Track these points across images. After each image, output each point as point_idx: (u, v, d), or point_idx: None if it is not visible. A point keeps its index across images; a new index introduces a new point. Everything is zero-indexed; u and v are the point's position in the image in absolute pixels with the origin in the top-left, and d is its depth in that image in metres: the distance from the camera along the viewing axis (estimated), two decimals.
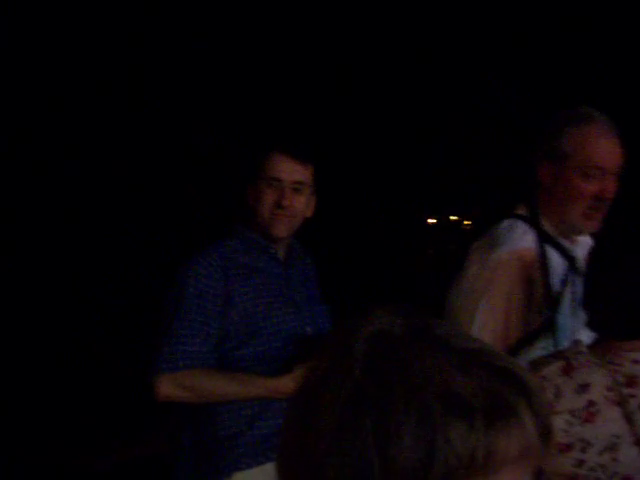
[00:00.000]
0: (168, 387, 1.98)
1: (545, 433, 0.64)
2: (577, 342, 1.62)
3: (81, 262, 10.43)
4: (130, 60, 9.44)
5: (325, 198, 2.33)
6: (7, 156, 8.87)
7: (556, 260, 2.00)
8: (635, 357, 1.50)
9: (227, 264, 2.08)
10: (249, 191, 2.17)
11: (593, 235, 2.05)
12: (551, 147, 1.98)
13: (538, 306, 1.93)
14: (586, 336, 1.76)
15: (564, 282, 1.98)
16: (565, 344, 1.85)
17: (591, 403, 1.48)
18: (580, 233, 2.05)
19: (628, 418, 1.45)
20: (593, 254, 1.64)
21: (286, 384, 1.95)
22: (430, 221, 14.95)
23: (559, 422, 1.47)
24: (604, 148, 1.93)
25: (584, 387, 1.50)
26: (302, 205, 2.15)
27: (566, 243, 2.04)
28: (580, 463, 1.47)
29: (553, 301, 1.95)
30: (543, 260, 1.95)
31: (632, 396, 1.45)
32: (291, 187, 2.11)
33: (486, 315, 1.90)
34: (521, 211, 2.05)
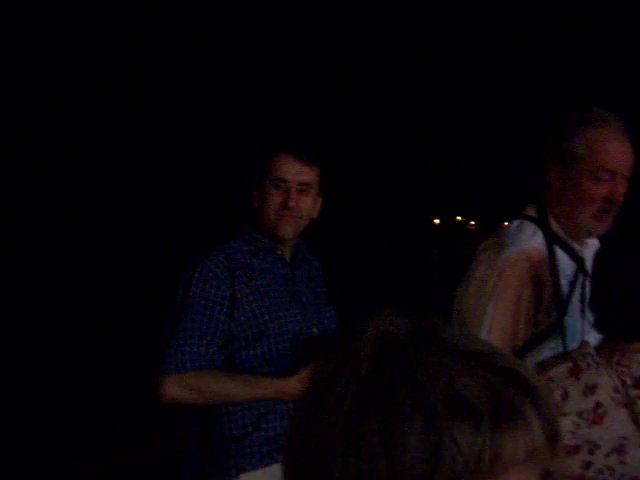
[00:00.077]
0: (174, 388, 1.98)
1: (552, 435, 0.63)
2: (584, 343, 1.62)
3: (82, 262, 10.46)
4: (131, 60, 9.46)
5: (331, 199, 2.33)
6: (7, 156, 8.89)
7: (565, 261, 1.99)
8: None
9: (233, 265, 2.08)
10: (255, 192, 2.17)
11: (600, 237, 2.05)
12: (562, 149, 1.96)
13: (546, 307, 1.92)
14: (593, 337, 1.76)
15: (572, 283, 1.97)
16: (573, 345, 1.84)
17: (598, 405, 1.48)
18: (590, 235, 2.05)
19: (635, 420, 1.44)
20: (599, 255, 1.64)
21: (292, 385, 1.95)
22: (435, 221, 14.95)
23: (566, 424, 1.47)
24: (616, 151, 1.92)
25: (591, 389, 1.50)
26: (308, 206, 2.14)
27: (575, 244, 2.04)
28: (587, 465, 1.47)
29: (562, 302, 1.94)
30: (552, 261, 1.95)
31: (639, 397, 1.45)
32: (297, 188, 2.10)
33: (495, 316, 1.89)
34: (529, 212, 2.05)
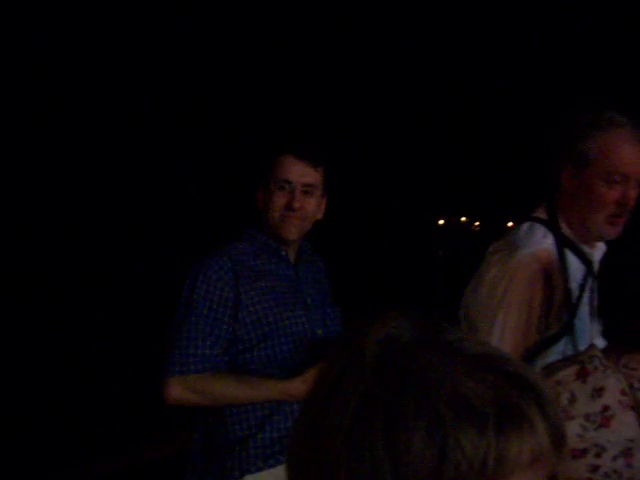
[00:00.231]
0: (178, 390, 1.98)
1: (557, 438, 0.63)
2: (591, 346, 1.61)
3: (84, 264, 10.50)
4: (132, 60, 9.51)
5: (336, 200, 2.33)
6: (7, 157, 8.94)
7: (575, 264, 1.98)
8: None
9: (237, 266, 2.08)
10: (259, 193, 2.17)
11: (607, 241, 2.04)
12: (574, 151, 1.95)
13: (557, 310, 1.91)
14: (601, 340, 1.75)
15: (582, 286, 1.96)
16: (582, 349, 1.83)
17: (606, 408, 1.47)
18: (601, 239, 2.04)
19: None
20: (608, 263, 1.63)
21: (297, 387, 1.95)
22: (440, 222, 14.95)
23: (574, 427, 1.46)
24: (629, 155, 1.90)
25: (599, 391, 1.49)
26: (313, 207, 2.14)
27: (585, 247, 2.02)
28: (595, 469, 1.46)
29: (572, 306, 1.93)
30: (563, 264, 1.93)
31: None
32: (301, 189, 2.10)
33: (507, 319, 1.88)
34: (539, 214, 2.03)
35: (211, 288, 2.03)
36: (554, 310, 1.90)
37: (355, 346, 0.68)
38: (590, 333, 1.94)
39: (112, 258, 11.27)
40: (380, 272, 11.07)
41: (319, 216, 2.22)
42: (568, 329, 1.90)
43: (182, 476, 2.15)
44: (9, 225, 10.01)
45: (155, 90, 13.49)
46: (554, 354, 1.85)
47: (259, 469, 2.00)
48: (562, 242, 1.96)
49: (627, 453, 1.45)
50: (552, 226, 1.98)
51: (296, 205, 2.08)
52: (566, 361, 1.59)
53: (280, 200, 2.09)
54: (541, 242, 1.94)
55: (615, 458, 1.46)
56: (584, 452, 1.47)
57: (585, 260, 2.00)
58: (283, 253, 2.18)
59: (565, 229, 2.00)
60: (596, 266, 2.04)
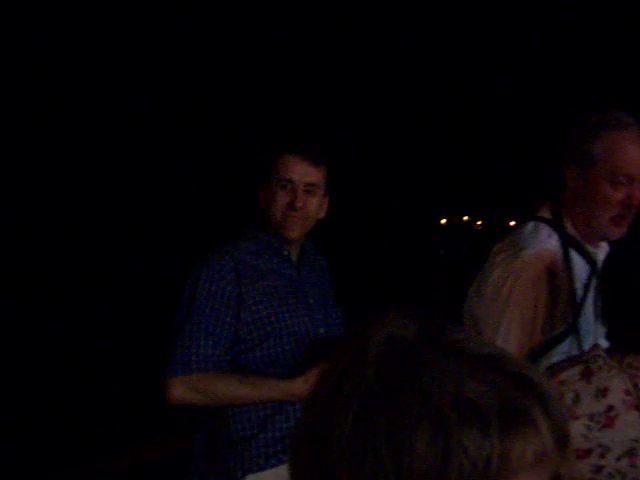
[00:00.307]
0: (181, 390, 1.98)
1: (561, 439, 0.63)
2: (596, 346, 1.61)
3: (85, 263, 10.50)
4: (132, 60, 9.53)
5: (338, 199, 2.32)
6: (8, 157, 8.95)
7: (579, 264, 1.97)
8: None
9: (240, 266, 2.08)
10: (262, 193, 2.17)
11: (611, 242, 2.03)
12: (580, 151, 1.94)
13: (562, 310, 1.91)
14: (605, 340, 1.75)
15: (586, 286, 1.96)
16: (587, 349, 1.82)
17: (610, 408, 1.47)
18: (606, 239, 2.03)
19: None
20: (611, 264, 1.63)
21: (299, 386, 1.95)
22: (442, 221, 14.95)
23: (578, 427, 1.46)
24: (634, 156, 1.90)
25: (603, 392, 1.49)
26: (315, 207, 2.14)
27: (589, 247, 2.02)
28: (599, 469, 1.46)
29: (577, 306, 1.93)
30: (567, 264, 1.93)
31: None
32: (304, 189, 2.10)
33: (513, 319, 1.87)
34: (544, 213, 2.03)
35: (213, 287, 2.02)
36: (559, 310, 1.90)
37: (358, 346, 0.68)
38: (594, 333, 1.94)
39: (112, 258, 11.27)
40: (381, 271, 11.07)
41: (321, 215, 2.21)
42: (573, 329, 1.90)
43: (183, 476, 2.15)
44: (9, 225, 10.01)
45: (155, 90, 13.50)
46: (559, 354, 1.84)
47: (261, 468, 2.00)
48: (567, 242, 1.96)
49: (631, 453, 1.44)
50: (557, 226, 1.98)
51: (298, 204, 2.07)
52: (570, 361, 1.59)
53: (282, 199, 2.09)
54: (546, 242, 1.94)
55: (619, 458, 1.45)
56: (588, 452, 1.46)
57: (590, 260, 1.99)
58: (285, 253, 2.18)
59: (570, 229, 1.99)
60: (600, 266, 2.04)
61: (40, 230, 10.87)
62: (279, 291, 2.12)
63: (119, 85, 13.25)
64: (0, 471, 4.37)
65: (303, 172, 2.10)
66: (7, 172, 10.40)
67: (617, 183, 1.90)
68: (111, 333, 8.03)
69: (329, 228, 2.53)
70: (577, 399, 1.49)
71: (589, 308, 1.96)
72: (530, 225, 1.99)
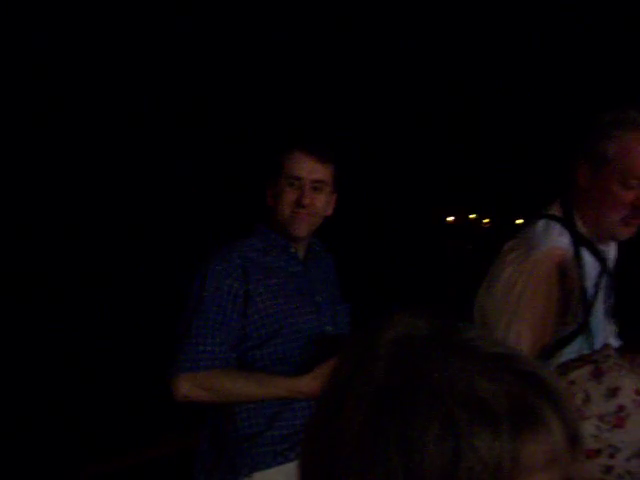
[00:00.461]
0: (187, 387, 1.97)
1: (573, 440, 0.62)
2: (606, 346, 1.59)
3: (83, 263, 10.51)
4: (132, 60, 9.53)
5: (345, 197, 2.32)
6: (8, 157, 8.96)
7: (590, 263, 1.96)
8: None
9: (246, 263, 2.07)
10: (269, 190, 2.16)
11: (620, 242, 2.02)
12: (594, 150, 1.92)
13: (574, 309, 1.90)
14: (615, 339, 1.74)
15: (597, 285, 1.95)
16: (598, 347, 1.82)
17: (620, 408, 1.46)
18: (615, 239, 2.02)
19: None
20: (622, 265, 1.62)
21: (306, 384, 1.94)
22: (449, 219, 14.96)
23: (588, 428, 1.45)
24: None
25: (613, 391, 1.48)
26: (322, 204, 2.13)
27: (600, 246, 2.01)
28: (608, 470, 1.45)
29: (588, 304, 1.92)
30: (578, 262, 1.92)
31: None
32: (311, 186, 2.10)
33: (525, 318, 1.86)
34: (554, 211, 2.01)
35: (220, 285, 2.02)
36: (570, 309, 1.89)
37: (368, 345, 0.67)
38: (605, 332, 1.93)
39: (112, 258, 11.28)
40: (388, 269, 11.08)
41: (329, 213, 2.21)
42: (584, 328, 1.89)
43: (183, 476, 2.15)
44: (9, 225, 10.01)
45: (155, 90, 13.50)
46: (570, 353, 1.83)
47: (268, 466, 2.00)
48: (578, 240, 1.95)
49: None
50: (568, 224, 1.96)
51: (306, 201, 2.07)
52: (580, 361, 1.58)
53: (290, 196, 2.09)
54: (557, 240, 1.93)
55: (629, 459, 1.45)
56: (598, 453, 1.45)
57: (600, 258, 1.98)
58: (292, 250, 2.18)
59: (580, 227, 1.98)
60: (610, 264, 2.03)
61: (40, 230, 10.87)
62: (286, 288, 2.11)
63: (119, 85, 13.26)
64: (0, 471, 4.37)
65: (310, 169, 2.09)
66: (7, 172, 10.40)
67: (628, 184, 1.88)
68: (111, 333, 8.03)
69: (336, 226, 2.53)
70: (587, 399, 1.48)
71: (599, 307, 1.95)
72: (541, 223, 1.98)
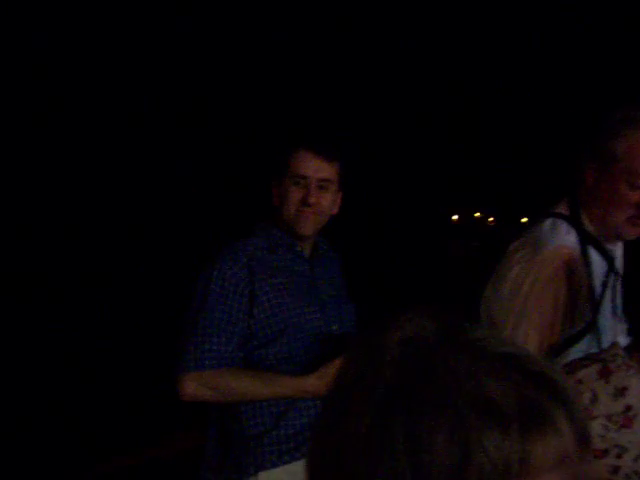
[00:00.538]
0: (193, 386, 1.97)
1: (583, 440, 0.61)
2: (614, 345, 1.59)
3: (83, 263, 10.51)
4: (132, 60, 9.53)
5: (350, 196, 2.31)
6: (8, 157, 8.95)
7: (597, 261, 1.96)
8: None
9: (252, 262, 2.07)
10: (274, 189, 2.16)
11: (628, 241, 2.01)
12: (602, 148, 1.91)
13: (582, 308, 1.89)
14: (623, 338, 1.73)
15: (604, 283, 1.94)
16: (605, 347, 1.81)
17: (628, 408, 1.45)
18: (621, 239, 2.01)
19: None
20: (628, 263, 1.61)
21: (312, 383, 1.94)
22: (454, 218, 14.98)
23: (595, 427, 1.44)
24: None
25: (621, 391, 1.47)
26: (328, 202, 2.13)
27: (607, 244, 2.00)
28: (615, 470, 1.44)
29: (595, 303, 1.91)
30: (586, 261, 1.91)
31: None
32: (317, 184, 2.09)
33: (533, 317, 1.85)
34: (561, 210, 2.01)
35: (226, 284, 2.01)
36: (578, 308, 1.88)
37: (375, 345, 0.66)
38: (612, 331, 1.92)
39: (112, 258, 11.28)
40: (393, 268, 11.08)
41: (334, 211, 2.20)
42: (592, 327, 1.88)
43: (183, 476, 2.15)
44: (9, 225, 10.01)
45: (155, 90, 13.51)
46: (577, 352, 1.82)
47: (274, 465, 2.00)
48: (585, 239, 1.94)
49: None
50: (575, 222, 1.96)
51: (312, 200, 2.06)
52: (588, 360, 1.57)
53: (295, 195, 2.08)
54: (564, 238, 1.92)
55: (636, 459, 1.44)
56: (605, 453, 1.45)
57: (607, 257, 1.97)
58: (298, 249, 2.17)
59: (587, 226, 1.97)
60: (618, 263, 2.02)
61: (40, 230, 10.87)
62: (292, 287, 2.10)
63: (119, 85, 13.26)
64: (0, 471, 4.37)
65: (316, 168, 2.09)
66: (7, 172, 10.40)
67: (636, 184, 1.88)
68: (111, 333, 8.03)
69: (341, 226, 2.52)
70: (595, 398, 1.48)
71: (607, 306, 1.95)
72: (548, 222, 1.97)
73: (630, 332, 1.63)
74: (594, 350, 1.81)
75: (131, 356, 6.71)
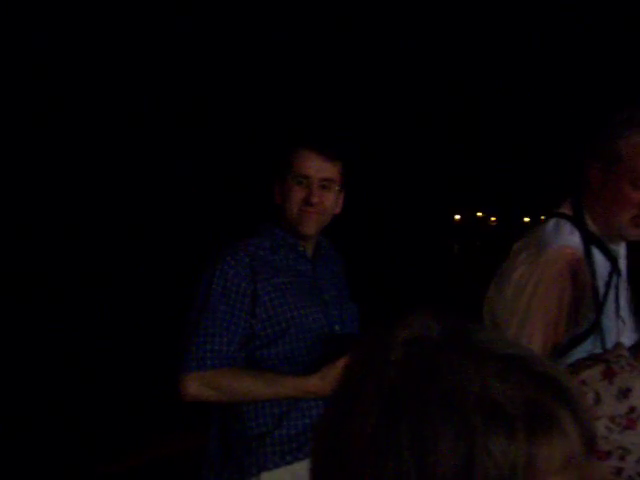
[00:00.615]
0: (195, 386, 1.96)
1: (589, 442, 0.61)
2: (618, 345, 1.58)
3: (83, 263, 10.51)
4: (132, 60, 9.53)
5: (352, 195, 2.31)
6: (8, 157, 8.95)
7: (601, 261, 1.95)
8: None
9: (254, 262, 2.06)
10: (277, 189, 2.15)
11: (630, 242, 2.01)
12: (606, 149, 1.91)
13: (586, 308, 1.88)
14: (627, 338, 1.72)
15: (608, 284, 1.94)
16: (608, 347, 1.80)
17: (632, 409, 1.45)
18: (625, 239, 2.01)
19: None
20: (632, 264, 1.61)
21: (314, 383, 1.93)
22: (456, 217, 15.00)
23: (599, 429, 1.43)
24: None
25: (625, 392, 1.46)
26: (330, 202, 2.12)
27: (610, 245, 1.99)
28: (619, 471, 1.44)
29: (599, 303, 1.90)
30: (589, 261, 1.90)
31: None
32: (319, 184, 2.08)
33: (537, 318, 1.85)
34: (565, 210, 2.00)
35: (228, 284, 2.01)
36: (582, 308, 1.87)
37: (380, 346, 0.66)
38: (616, 331, 1.91)
39: (112, 258, 11.27)
40: (394, 268, 11.08)
41: (337, 211, 2.20)
42: (596, 327, 1.87)
43: (183, 476, 2.14)
44: (9, 225, 10.01)
45: (155, 90, 13.50)
46: (581, 353, 1.82)
47: (276, 466, 1.99)
48: (589, 239, 1.93)
49: None
50: (578, 222, 1.95)
51: (314, 200, 2.06)
52: (591, 360, 1.57)
53: (298, 195, 2.08)
54: (568, 239, 1.91)
55: (639, 461, 1.43)
56: (608, 454, 1.44)
57: (611, 257, 1.97)
58: (301, 248, 2.17)
59: (591, 226, 1.97)
60: (622, 263, 2.02)
61: (40, 230, 10.87)
62: (294, 287, 2.10)
63: (119, 85, 13.26)
64: (0, 471, 4.36)
65: (319, 167, 2.08)
66: (7, 172, 10.39)
67: (639, 184, 1.87)
68: (111, 333, 8.03)
69: (343, 226, 2.52)
70: (598, 400, 1.47)
71: (611, 306, 1.94)
72: (552, 222, 1.97)
73: (637, 331, 1.63)
74: (598, 350, 1.81)
75: (131, 356, 6.71)
